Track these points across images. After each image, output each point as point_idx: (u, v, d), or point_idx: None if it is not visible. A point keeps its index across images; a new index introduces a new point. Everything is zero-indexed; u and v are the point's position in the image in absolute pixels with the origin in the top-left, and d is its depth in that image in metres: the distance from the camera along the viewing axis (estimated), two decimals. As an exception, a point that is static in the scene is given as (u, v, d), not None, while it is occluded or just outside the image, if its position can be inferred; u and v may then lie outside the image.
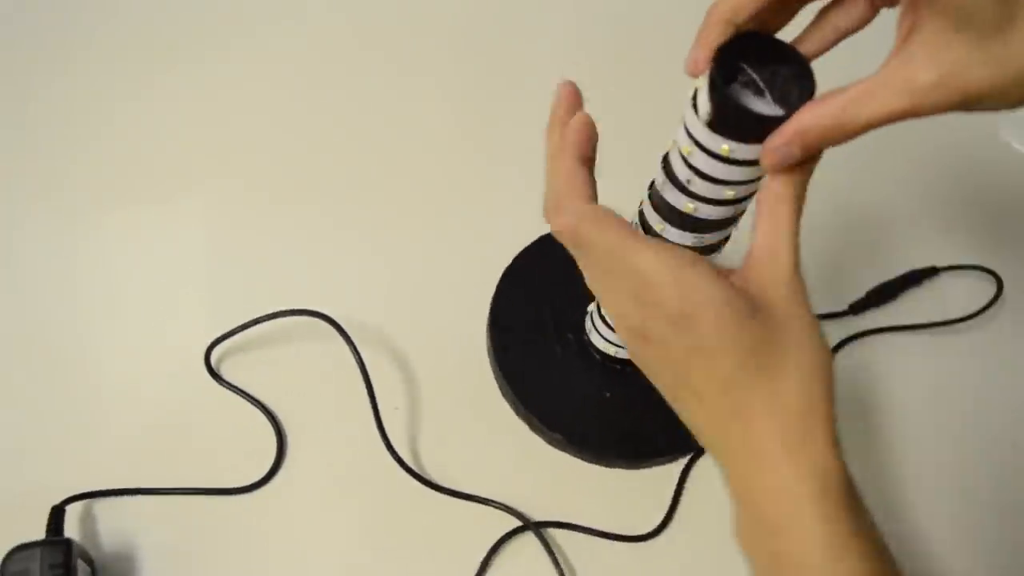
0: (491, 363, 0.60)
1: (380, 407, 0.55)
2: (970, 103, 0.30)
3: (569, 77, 0.36)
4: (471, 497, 0.55)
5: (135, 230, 0.63)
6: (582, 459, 0.57)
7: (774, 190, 0.35)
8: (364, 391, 0.55)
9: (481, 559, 0.53)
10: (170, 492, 0.54)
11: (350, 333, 0.56)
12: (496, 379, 0.60)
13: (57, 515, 0.49)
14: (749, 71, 0.34)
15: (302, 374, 0.58)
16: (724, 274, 0.35)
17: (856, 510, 0.34)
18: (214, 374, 0.57)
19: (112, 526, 0.53)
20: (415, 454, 0.57)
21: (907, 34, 0.31)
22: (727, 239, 0.43)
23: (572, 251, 0.38)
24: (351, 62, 0.73)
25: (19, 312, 0.60)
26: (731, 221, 0.41)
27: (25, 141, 0.67)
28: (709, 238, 0.42)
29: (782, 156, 0.33)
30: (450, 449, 0.57)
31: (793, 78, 0.34)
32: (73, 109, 0.68)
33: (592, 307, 0.56)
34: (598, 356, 0.58)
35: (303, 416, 0.57)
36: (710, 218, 0.39)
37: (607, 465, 0.57)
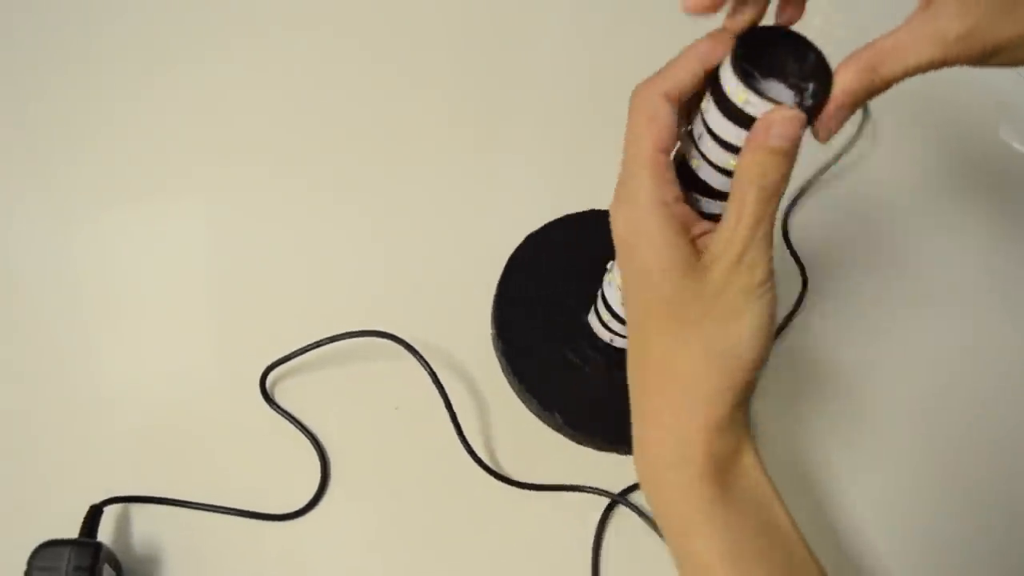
0: (505, 376, 0.55)
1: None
2: (987, 58, 0.31)
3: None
4: (559, 487, 0.50)
5: (153, 233, 0.59)
6: (619, 453, 0.53)
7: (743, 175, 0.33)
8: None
9: (591, 545, 0.49)
10: (208, 508, 0.48)
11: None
12: (516, 391, 0.55)
13: (94, 515, 0.45)
14: (746, 66, 0.33)
15: (348, 395, 0.54)
16: (691, 237, 0.35)
17: (726, 487, 0.34)
18: (267, 397, 0.52)
19: (145, 533, 0.48)
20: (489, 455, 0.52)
21: None
22: None
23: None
24: (353, 61, 0.70)
25: (77, 318, 0.55)
26: None
27: (25, 141, 0.62)
28: None
29: (840, 121, 0.33)
30: (501, 449, 0.53)
31: (798, 60, 0.34)
32: (74, 109, 0.64)
33: (594, 311, 0.52)
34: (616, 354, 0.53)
35: (347, 440, 0.52)
36: None
37: None
